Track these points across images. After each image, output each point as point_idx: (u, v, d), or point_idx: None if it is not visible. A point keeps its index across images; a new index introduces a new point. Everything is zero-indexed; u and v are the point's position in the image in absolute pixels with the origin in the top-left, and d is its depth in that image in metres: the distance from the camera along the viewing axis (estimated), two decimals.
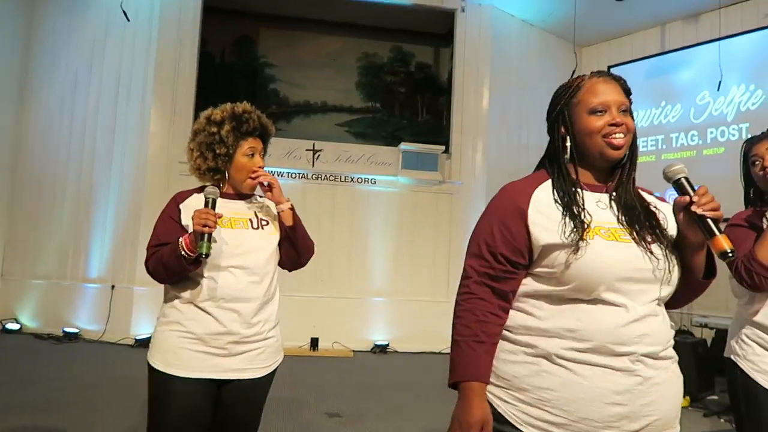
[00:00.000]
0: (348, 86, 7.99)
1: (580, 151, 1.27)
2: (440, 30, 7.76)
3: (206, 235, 1.60)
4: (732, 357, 1.87)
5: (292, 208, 1.89)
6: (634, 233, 1.21)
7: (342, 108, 7.96)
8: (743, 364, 1.82)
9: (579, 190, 1.24)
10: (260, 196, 1.99)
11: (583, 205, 1.22)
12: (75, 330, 5.98)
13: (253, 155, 1.85)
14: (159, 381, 1.69)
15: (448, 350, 1.26)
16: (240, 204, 1.88)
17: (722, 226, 1.18)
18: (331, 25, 7.95)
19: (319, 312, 6.27)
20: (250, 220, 1.86)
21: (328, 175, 6.74)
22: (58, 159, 6.53)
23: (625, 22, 7.55)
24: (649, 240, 1.21)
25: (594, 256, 1.15)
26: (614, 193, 1.28)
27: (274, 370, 1.86)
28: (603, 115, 1.23)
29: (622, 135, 1.23)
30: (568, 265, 1.15)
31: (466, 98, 7.06)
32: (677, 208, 1.22)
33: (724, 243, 1.13)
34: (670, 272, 1.19)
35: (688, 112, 7.06)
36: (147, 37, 6.38)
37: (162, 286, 1.79)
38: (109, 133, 6.38)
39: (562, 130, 1.28)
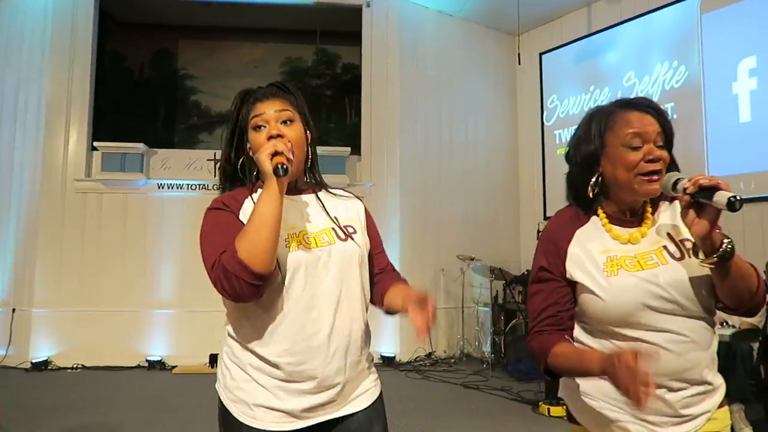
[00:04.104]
0: None
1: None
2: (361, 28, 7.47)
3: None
4: (216, 386, 1.41)
5: None
6: None
7: None
8: (222, 394, 1.38)
9: None
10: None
11: None
12: None
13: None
14: None
15: None
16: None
17: None
18: (252, 32, 7.76)
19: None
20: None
21: None
22: None
23: (552, 5, 7.10)
24: None
25: None
26: None
27: None
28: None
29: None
30: None
31: (375, 97, 6.74)
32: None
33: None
34: None
35: (615, 95, 6.55)
36: (40, 54, 6.31)
37: None
38: (8, 155, 6.33)
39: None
